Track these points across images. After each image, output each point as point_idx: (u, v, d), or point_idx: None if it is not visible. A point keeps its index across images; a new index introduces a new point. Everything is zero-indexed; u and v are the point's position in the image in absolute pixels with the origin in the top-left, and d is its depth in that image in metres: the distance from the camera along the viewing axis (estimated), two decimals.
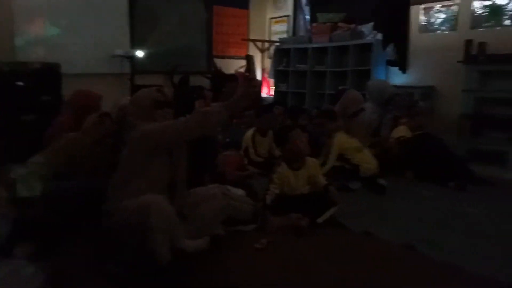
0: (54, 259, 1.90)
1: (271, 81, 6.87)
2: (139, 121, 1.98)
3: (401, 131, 3.88)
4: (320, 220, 2.42)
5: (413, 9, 5.15)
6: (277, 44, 6.72)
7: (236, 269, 1.95)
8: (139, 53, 5.48)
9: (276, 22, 7.29)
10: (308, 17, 6.68)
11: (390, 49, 5.31)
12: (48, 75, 4.44)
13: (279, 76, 6.67)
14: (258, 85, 6.10)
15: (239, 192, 2.64)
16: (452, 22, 4.82)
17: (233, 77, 5.46)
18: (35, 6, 4.81)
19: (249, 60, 6.48)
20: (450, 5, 4.81)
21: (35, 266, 1.65)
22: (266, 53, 6.85)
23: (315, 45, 5.99)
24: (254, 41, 6.74)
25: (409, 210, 2.84)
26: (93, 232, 2.08)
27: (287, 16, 7.05)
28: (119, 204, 1.86)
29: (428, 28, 5.06)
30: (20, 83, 4.23)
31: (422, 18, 5.10)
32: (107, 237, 1.93)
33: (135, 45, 5.64)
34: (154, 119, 1.99)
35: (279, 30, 7.20)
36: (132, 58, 5.37)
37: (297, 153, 2.62)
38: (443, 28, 4.92)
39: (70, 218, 2.25)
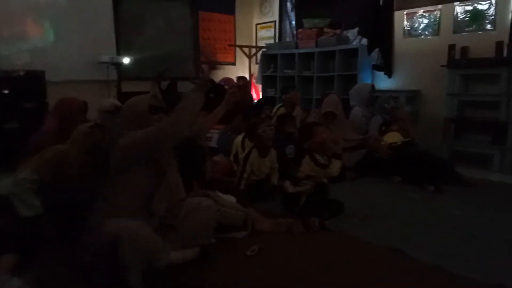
0: (37, 271, 1.86)
1: (259, 86, 6.88)
2: (129, 130, 1.93)
3: (393, 137, 3.93)
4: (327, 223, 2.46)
5: (397, 14, 5.24)
6: (264, 49, 6.75)
7: (227, 277, 1.94)
8: (126, 60, 5.43)
9: (262, 27, 7.33)
10: (294, 22, 6.73)
11: (375, 54, 5.39)
12: (32, 82, 4.39)
13: (267, 81, 6.69)
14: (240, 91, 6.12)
15: (230, 198, 2.64)
16: (435, 27, 4.91)
17: (220, 86, 5.49)
18: (18, 12, 4.73)
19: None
20: (433, 10, 4.91)
21: (19, 279, 1.61)
22: (253, 59, 6.87)
23: (302, 51, 6.04)
24: (241, 46, 6.75)
25: (395, 213, 2.87)
26: (77, 243, 2.04)
27: (273, 21, 7.10)
28: (100, 220, 1.80)
29: (411, 33, 5.15)
30: (3, 91, 4.16)
31: (406, 23, 5.18)
32: (83, 254, 1.88)
33: (121, 51, 5.59)
34: (150, 125, 1.94)
35: (266, 36, 7.23)
36: (119, 64, 5.32)
37: (323, 146, 2.74)
38: (426, 33, 5.01)
39: (56, 229, 2.23)
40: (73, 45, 5.12)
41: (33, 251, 2.01)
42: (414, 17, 5.10)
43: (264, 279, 1.92)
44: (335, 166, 2.89)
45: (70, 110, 2.90)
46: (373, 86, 4.54)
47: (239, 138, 3.75)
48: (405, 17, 5.18)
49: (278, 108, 4.61)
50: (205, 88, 2.05)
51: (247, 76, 6.89)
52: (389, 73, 5.33)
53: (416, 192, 3.34)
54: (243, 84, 5.97)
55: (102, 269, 1.74)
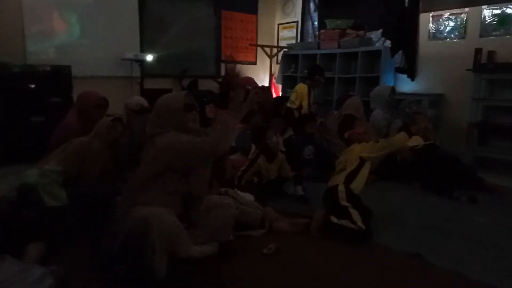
0: (62, 260, 1.91)
1: (279, 86, 6.89)
2: (162, 129, 1.95)
3: (415, 140, 3.86)
4: (334, 219, 2.40)
5: (422, 16, 5.15)
6: (285, 49, 6.74)
7: (243, 274, 1.96)
8: (149, 57, 5.51)
9: (284, 28, 7.32)
10: (316, 23, 6.71)
11: (398, 56, 5.31)
12: (58, 77, 4.50)
13: (287, 81, 6.68)
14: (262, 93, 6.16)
15: (248, 197, 2.65)
16: (462, 30, 4.81)
17: (243, 87, 5.50)
18: (46, 10, 4.86)
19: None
20: (460, 13, 4.81)
21: (42, 267, 1.66)
22: (274, 59, 6.87)
23: (324, 51, 6.01)
24: (262, 46, 6.76)
25: (415, 218, 2.83)
26: (101, 235, 2.09)
27: (296, 22, 7.08)
28: (127, 211, 1.86)
29: (437, 35, 5.06)
30: (31, 85, 4.28)
31: (431, 25, 5.09)
32: (109, 243, 1.93)
33: (145, 48, 5.68)
34: (185, 123, 1.98)
35: (287, 36, 7.23)
36: (142, 61, 5.41)
37: (362, 138, 2.69)
38: (452, 36, 4.91)
39: (80, 221, 2.29)
40: (98, 42, 5.23)
41: (59, 240, 2.07)
42: (440, 20, 5.01)
43: (280, 278, 1.93)
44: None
45: (87, 105, 2.97)
46: (393, 89, 4.48)
47: None
48: (430, 19, 5.10)
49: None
50: (241, 110, 2.02)
51: (268, 76, 6.90)
52: (412, 76, 5.24)
53: (436, 199, 3.28)
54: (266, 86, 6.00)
55: (128, 256, 1.78)
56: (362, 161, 2.56)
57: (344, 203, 2.40)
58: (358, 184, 2.53)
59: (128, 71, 5.34)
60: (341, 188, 2.47)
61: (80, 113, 2.99)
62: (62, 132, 2.89)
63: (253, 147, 3.68)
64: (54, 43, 4.95)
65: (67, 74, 4.55)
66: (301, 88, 4.81)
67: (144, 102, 3.27)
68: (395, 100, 4.43)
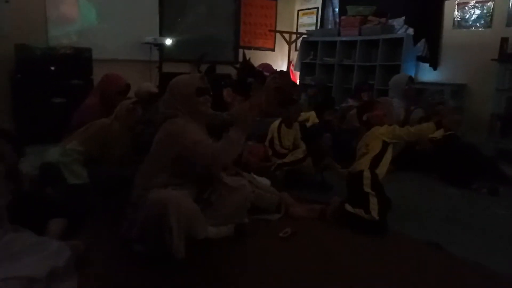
0: (83, 237, 1.96)
1: (297, 73, 6.82)
2: (173, 112, 1.97)
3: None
4: (348, 208, 2.37)
5: (447, 4, 5.01)
6: (305, 36, 6.66)
7: (259, 256, 1.97)
8: (168, 41, 5.52)
9: (304, 14, 7.22)
10: (337, 9, 6.59)
11: (421, 44, 5.19)
12: (79, 59, 4.55)
13: (306, 68, 6.61)
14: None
15: (265, 181, 2.66)
16: (487, 19, 4.66)
17: (260, 73, 5.48)
18: None
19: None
20: (486, 2, 4.66)
21: (62, 241, 1.68)
22: (293, 45, 6.80)
23: (344, 38, 5.91)
24: (281, 32, 6.69)
25: (435, 208, 2.79)
26: (120, 215, 2.13)
27: (316, 8, 6.97)
28: (144, 194, 1.87)
29: (462, 24, 4.91)
30: (53, 67, 4.34)
31: (456, 13, 4.95)
32: (128, 227, 1.96)
33: (164, 33, 5.68)
34: (196, 106, 1.98)
35: (307, 22, 7.12)
36: (161, 45, 5.42)
37: (382, 121, 2.61)
38: (478, 24, 4.76)
39: (100, 201, 2.34)
40: (118, 25, 5.25)
41: (80, 218, 2.11)
42: (466, 8, 4.86)
43: (295, 261, 1.94)
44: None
45: (110, 89, 2.99)
46: (411, 78, 4.36)
47: (276, 123, 3.73)
48: (456, 7, 4.95)
49: None
50: (247, 121, 1.93)
51: (286, 63, 6.84)
52: (434, 65, 5.13)
53: (457, 190, 3.23)
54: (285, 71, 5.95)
55: (147, 238, 1.82)
56: (385, 145, 2.50)
57: (368, 189, 2.36)
58: (383, 169, 2.48)
59: (147, 55, 5.36)
60: (367, 174, 2.41)
61: (102, 96, 3.01)
62: (83, 114, 2.93)
63: (270, 133, 3.68)
64: (75, 27, 4.99)
65: (87, 57, 4.60)
66: None
67: (152, 88, 3.31)
68: (414, 89, 4.33)
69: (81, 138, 2.48)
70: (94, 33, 5.08)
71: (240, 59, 6.40)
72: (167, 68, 5.47)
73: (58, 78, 4.36)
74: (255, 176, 2.67)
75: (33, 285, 1.36)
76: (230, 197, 2.08)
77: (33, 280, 1.36)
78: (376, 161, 2.47)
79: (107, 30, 5.19)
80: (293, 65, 6.85)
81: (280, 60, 7.11)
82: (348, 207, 2.37)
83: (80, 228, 2.07)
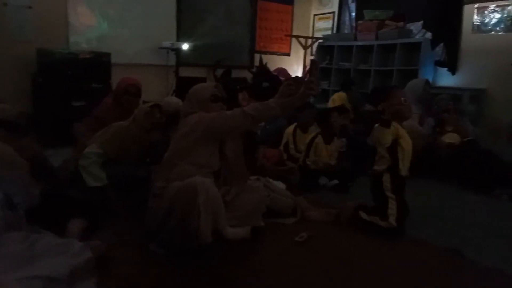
0: (104, 237, 1.99)
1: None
2: (193, 112, 2.07)
3: (452, 137, 3.74)
4: (363, 215, 2.35)
5: (466, 8, 4.95)
6: (321, 41, 6.65)
7: (275, 260, 1.97)
8: (185, 46, 5.58)
9: (320, 18, 7.22)
10: (353, 14, 6.57)
11: (439, 49, 5.14)
12: (98, 64, 4.64)
13: (321, 73, 6.59)
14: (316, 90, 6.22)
15: (280, 185, 2.66)
16: (508, 22, 4.60)
17: (275, 78, 5.50)
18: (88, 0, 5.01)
19: (314, 65, 6.44)
20: (506, 5, 4.59)
21: (83, 242, 1.72)
22: (308, 50, 6.80)
23: (360, 43, 5.89)
24: (297, 37, 6.70)
25: (454, 215, 2.74)
26: (138, 214, 2.16)
27: (332, 12, 6.97)
28: (166, 184, 1.92)
29: (481, 28, 4.85)
30: (74, 71, 4.44)
31: (476, 17, 4.88)
32: (151, 218, 1.99)
33: (181, 38, 5.75)
34: (210, 111, 2.07)
35: (323, 27, 7.13)
36: (178, 50, 5.49)
37: (400, 111, 2.36)
38: (498, 29, 4.69)
39: (118, 201, 2.38)
40: (137, 31, 5.34)
41: (100, 218, 2.15)
42: (485, 12, 4.80)
43: (312, 265, 1.93)
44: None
45: (119, 87, 3.09)
46: (427, 82, 4.28)
47: (291, 127, 3.75)
48: (475, 11, 4.89)
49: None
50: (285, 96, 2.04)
51: (301, 68, 6.85)
52: (453, 70, 5.06)
53: (477, 196, 3.17)
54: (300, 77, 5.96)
55: (172, 223, 1.84)
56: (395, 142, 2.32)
57: (388, 193, 2.30)
58: (404, 164, 2.35)
59: (164, 59, 5.44)
60: (386, 177, 2.34)
61: (114, 94, 3.13)
62: (97, 109, 3.08)
63: (285, 137, 3.69)
64: (94, 32, 5.09)
65: (107, 61, 4.68)
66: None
67: (177, 104, 3.35)
68: (430, 94, 4.25)
69: (99, 140, 2.53)
70: (113, 38, 5.17)
71: (256, 63, 6.44)
72: (184, 72, 5.53)
73: (78, 82, 4.44)
74: (270, 180, 2.67)
75: (54, 285, 1.38)
76: (246, 198, 2.10)
77: (54, 279, 1.39)
78: (394, 162, 2.34)
79: (125, 35, 5.28)
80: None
81: (295, 64, 7.12)
82: (363, 214, 2.34)
83: (99, 229, 2.10)
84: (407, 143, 2.37)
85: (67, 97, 4.35)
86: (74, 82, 4.42)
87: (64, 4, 4.81)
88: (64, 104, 4.31)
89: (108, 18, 5.17)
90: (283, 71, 6.57)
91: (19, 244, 1.53)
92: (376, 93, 2.70)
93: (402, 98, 2.38)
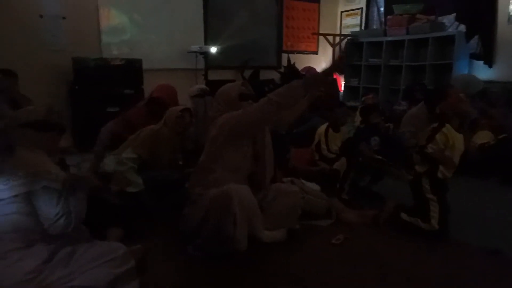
0: (139, 241, 2.03)
1: (342, 76, 6.73)
2: (222, 112, 2.07)
3: (484, 136, 3.59)
4: (405, 217, 2.30)
5: None
6: (349, 37, 6.56)
7: (312, 261, 1.96)
8: (213, 49, 5.63)
9: (348, 15, 7.11)
10: (382, 9, 6.44)
11: (474, 41, 4.96)
12: (130, 70, 4.75)
13: (351, 70, 6.51)
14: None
15: (315, 187, 2.64)
16: None
17: (302, 76, 5.46)
18: (118, 5, 5.13)
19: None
20: None
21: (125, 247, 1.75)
22: (337, 48, 6.71)
23: (390, 38, 5.76)
24: (325, 35, 6.63)
25: (496, 215, 2.64)
26: (172, 218, 2.19)
27: (360, 8, 6.85)
28: (202, 191, 1.94)
29: None
30: (106, 78, 4.57)
31: (511, 7, 4.68)
32: (186, 224, 2.02)
33: (209, 41, 5.81)
34: (238, 109, 2.04)
35: (351, 24, 7.01)
36: (206, 53, 5.54)
37: (458, 109, 2.30)
38: None
39: (153, 205, 2.43)
40: (166, 36, 5.44)
41: (137, 223, 2.20)
42: None
43: (349, 267, 1.91)
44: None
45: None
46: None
47: (323, 127, 3.70)
48: (510, 1, 4.68)
49: None
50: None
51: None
52: (489, 63, 4.87)
53: None
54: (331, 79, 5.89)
55: (208, 229, 1.86)
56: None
57: (429, 195, 2.24)
58: (449, 167, 2.24)
59: (193, 63, 5.50)
60: (425, 180, 2.27)
61: (153, 102, 3.18)
62: (128, 115, 3.23)
63: (317, 137, 3.65)
64: (125, 39, 5.22)
65: (138, 67, 4.80)
66: None
67: (203, 86, 3.45)
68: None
69: (133, 145, 2.59)
70: (143, 44, 5.28)
71: (284, 63, 6.42)
72: (213, 75, 5.59)
73: (111, 88, 4.57)
74: (304, 181, 2.65)
75: None
76: (281, 202, 2.09)
77: None
78: (434, 165, 2.25)
79: (154, 40, 5.38)
80: None
81: (323, 63, 7.05)
82: (404, 216, 2.29)
83: (136, 234, 2.15)
84: (459, 144, 2.27)
85: (102, 103, 4.48)
86: (108, 89, 4.56)
87: (96, 13, 4.95)
88: (99, 110, 4.45)
89: (138, 24, 5.28)
90: (312, 70, 6.51)
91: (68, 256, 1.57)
92: (432, 96, 2.63)
93: (461, 95, 2.31)
